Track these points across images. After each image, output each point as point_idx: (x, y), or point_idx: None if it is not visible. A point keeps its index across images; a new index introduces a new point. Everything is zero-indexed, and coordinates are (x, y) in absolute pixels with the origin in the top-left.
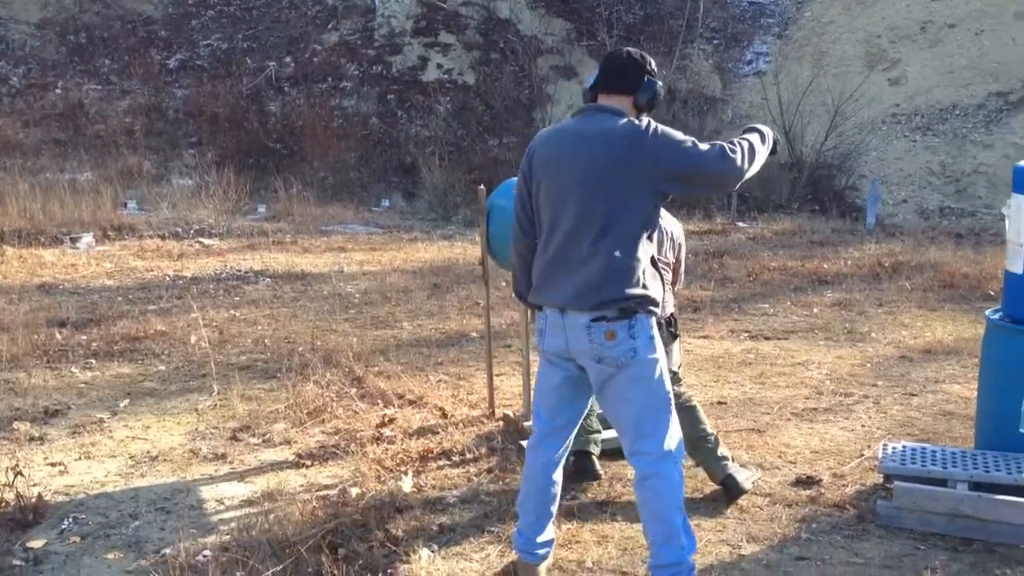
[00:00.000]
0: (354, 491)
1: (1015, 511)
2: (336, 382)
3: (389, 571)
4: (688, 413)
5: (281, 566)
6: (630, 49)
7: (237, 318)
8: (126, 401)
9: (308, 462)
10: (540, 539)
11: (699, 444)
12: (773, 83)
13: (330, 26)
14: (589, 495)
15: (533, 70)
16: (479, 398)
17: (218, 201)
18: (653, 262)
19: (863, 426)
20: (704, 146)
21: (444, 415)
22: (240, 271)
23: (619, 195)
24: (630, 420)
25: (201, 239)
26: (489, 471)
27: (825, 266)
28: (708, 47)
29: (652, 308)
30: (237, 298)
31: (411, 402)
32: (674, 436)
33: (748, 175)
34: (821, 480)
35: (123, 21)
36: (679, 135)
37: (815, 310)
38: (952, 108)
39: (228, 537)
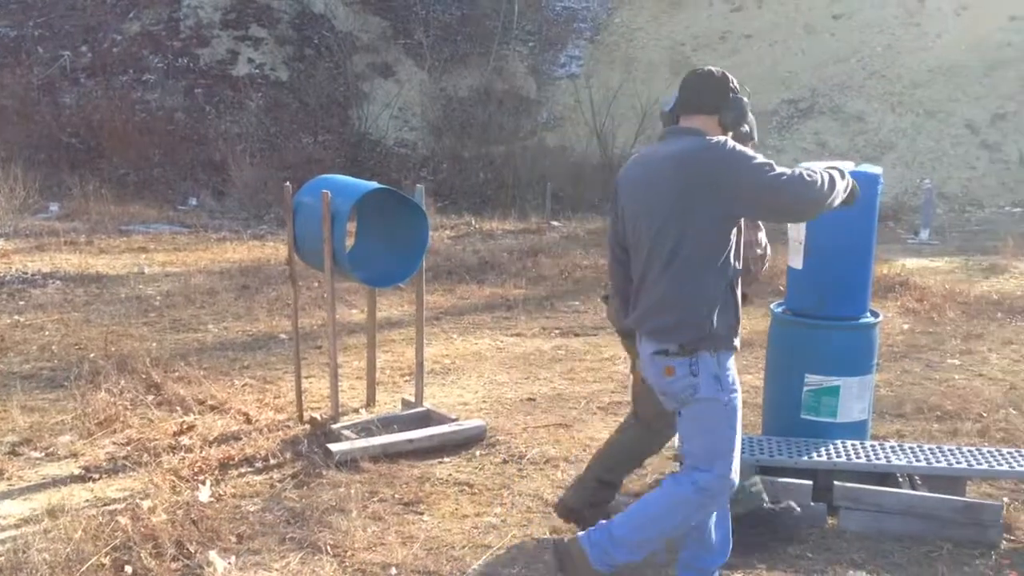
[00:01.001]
0: (145, 504)
1: (795, 492)
2: (131, 389)
3: None
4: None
5: None
6: (711, 68)
7: (21, 324)
8: None
9: (96, 475)
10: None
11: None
12: (586, 86)
13: (131, 15)
14: (395, 495)
15: (349, 67)
16: (286, 402)
17: (3, 199)
18: (731, 289)
19: None
20: (784, 170)
21: (248, 420)
22: (26, 274)
23: (689, 218)
24: (689, 452)
25: None
26: (294, 476)
27: None
28: (523, 49)
29: (719, 345)
30: (22, 302)
31: (213, 408)
32: (718, 475)
33: (828, 205)
34: None
35: None
36: (755, 156)
37: None
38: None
39: (2, 559)
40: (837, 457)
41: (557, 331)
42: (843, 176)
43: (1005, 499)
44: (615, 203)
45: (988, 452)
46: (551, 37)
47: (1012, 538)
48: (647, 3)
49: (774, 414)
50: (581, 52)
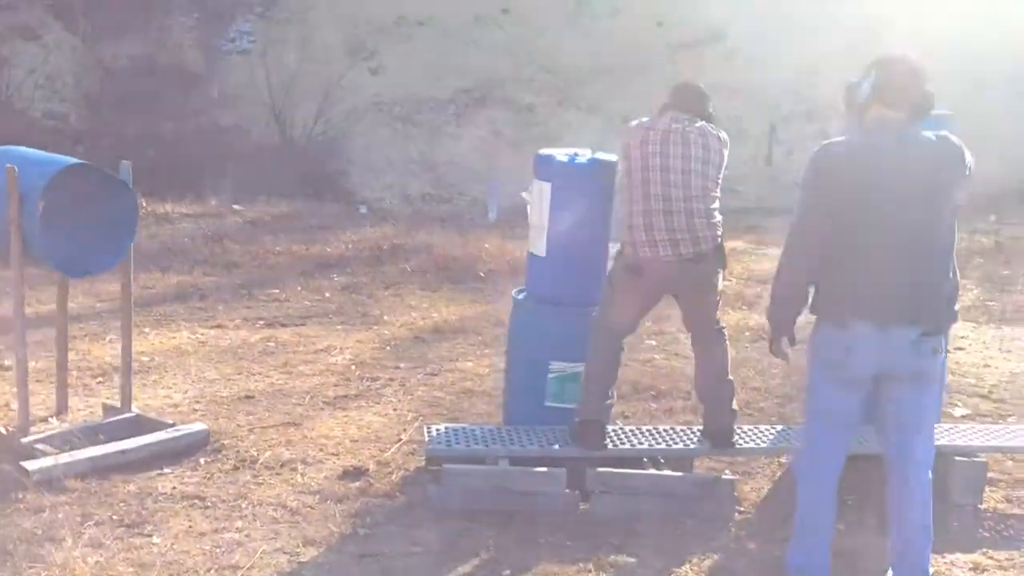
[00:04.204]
0: None
1: (549, 480)
2: None
3: None
4: (723, 342)
5: None
6: (910, 56)
7: None
8: None
9: None
10: (822, 560)
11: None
12: (261, 64)
13: None
14: (114, 516)
15: None
16: None
17: None
18: None
19: (395, 410)
20: None
21: None
22: None
23: (944, 210)
24: (922, 430)
25: None
26: None
27: (329, 250)
28: (188, 20)
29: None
30: None
31: None
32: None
33: None
34: (368, 470)
35: None
36: None
37: (327, 294)
38: (427, 101)
39: None
40: None
41: (261, 321)
42: None
43: (727, 472)
44: (827, 196)
45: None
46: (218, 9)
47: (742, 509)
48: None
49: (519, 403)
50: (252, 28)
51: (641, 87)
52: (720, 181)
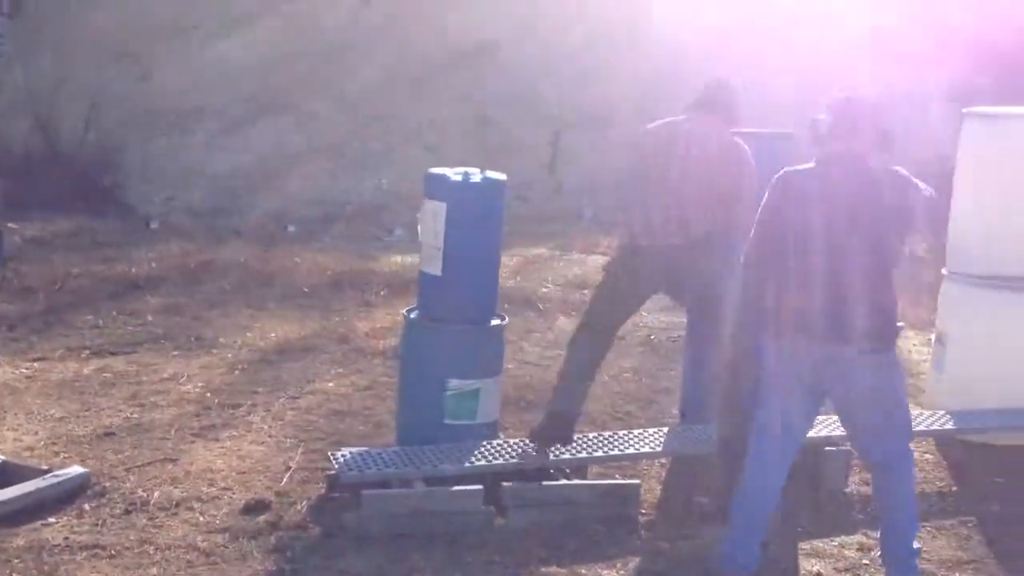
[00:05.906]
0: None
1: (469, 499)
2: None
3: None
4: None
5: None
6: (858, 97)
7: None
8: None
9: None
10: (755, 553)
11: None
12: (18, 69)
13: None
14: (15, 574)
15: None
16: None
17: None
18: None
19: (271, 437)
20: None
21: None
22: None
23: (889, 239)
24: (897, 432)
25: None
26: None
27: (133, 269)
28: None
29: None
30: None
31: None
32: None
33: None
34: (270, 502)
35: None
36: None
37: (148, 317)
38: (203, 109)
39: None
40: (495, 459)
41: (87, 351)
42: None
43: (617, 476)
44: (776, 217)
45: (609, 436)
46: None
47: (644, 512)
48: None
49: (415, 423)
50: (2, 29)
51: (422, 95)
52: (741, 189)
